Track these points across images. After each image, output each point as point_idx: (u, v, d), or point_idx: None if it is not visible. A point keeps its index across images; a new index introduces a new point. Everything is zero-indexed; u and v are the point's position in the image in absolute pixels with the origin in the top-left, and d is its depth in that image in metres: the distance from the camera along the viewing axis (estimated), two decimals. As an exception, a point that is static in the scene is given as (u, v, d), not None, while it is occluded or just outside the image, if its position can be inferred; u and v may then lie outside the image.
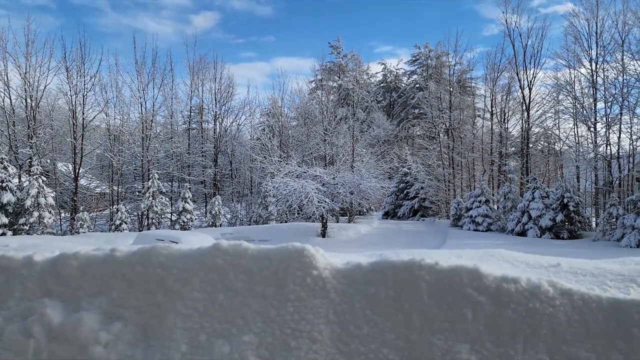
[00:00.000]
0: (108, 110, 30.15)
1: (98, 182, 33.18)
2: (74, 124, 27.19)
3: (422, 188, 36.85)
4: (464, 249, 9.19)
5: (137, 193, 30.68)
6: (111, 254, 3.24)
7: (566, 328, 2.73)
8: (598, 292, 2.93)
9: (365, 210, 32.23)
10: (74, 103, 27.26)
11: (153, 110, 32.13)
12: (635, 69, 22.57)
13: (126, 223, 24.56)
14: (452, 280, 2.92)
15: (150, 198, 25.51)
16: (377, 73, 62.56)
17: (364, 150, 32.05)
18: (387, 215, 39.23)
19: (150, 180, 25.93)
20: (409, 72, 59.83)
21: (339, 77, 56.01)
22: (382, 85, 61.33)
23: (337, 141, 30.04)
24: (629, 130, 23.34)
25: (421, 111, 47.09)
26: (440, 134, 37.06)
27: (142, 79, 31.12)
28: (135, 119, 32.40)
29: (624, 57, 23.07)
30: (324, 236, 21.97)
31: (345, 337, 2.85)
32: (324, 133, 30.85)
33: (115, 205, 27.20)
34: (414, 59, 58.25)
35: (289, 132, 38.09)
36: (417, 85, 53.77)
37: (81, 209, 24.55)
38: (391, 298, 2.91)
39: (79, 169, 27.30)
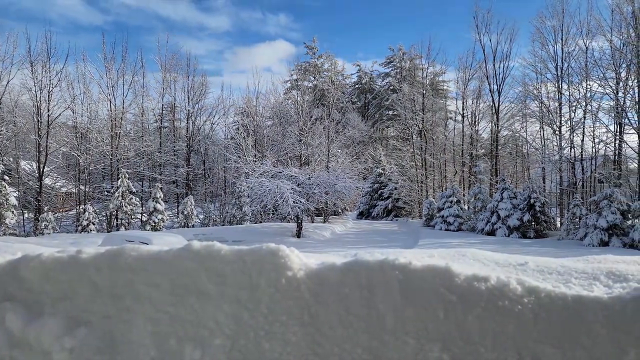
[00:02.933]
0: (75, 107, 29.11)
1: (64, 181, 31.97)
2: (38, 120, 26.12)
3: (395, 188, 37.35)
4: (436, 248, 9.37)
5: (106, 193, 29.75)
6: (76, 256, 3.11)
7: (533, 325, 2.81)
8: (563, 289, 3.03)
9: (340, 211, 32.42)
10: (38, 99, 26.19)
11: (123, 107, 31.26)
12: (598, 75, 23.61)
13: (94, 224, 23.80)
14: (424, 279, 2.96)
15: (120, 198, 24.80)
16: (352, 74, 63.07)
17: (339, 150, 32.21)
18: (361, 215, 39.57)
19: (120, 180, 25.21)
20: (383, 74, 60.54)
21: (314, 78, 56.08)
22: (357, 86, 61.80)
23: (312, 141, 30.07)
24: (592, 134, 24.42)
25: (395, 113, 47.74)
26: (414, 136, 37.68)
27: (112, 75, 30.25)
28: (104, 117, 31.42)
29: (588, 63, 24.11)
30: (299, 236, 21.94)
31: (319, 339, 2.84)
32: (300, 133, 30.82)
33: (82, 206, 26.30)
34: (388, 61, 58.97)
35: (264, 132, 37.87)
36: (391, 87, 54.49)
37: (46, 209, 23.59)
38: (365, 298, 2.92)
39: (43, 167, 26.23)
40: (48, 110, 26.55)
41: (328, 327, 2.86)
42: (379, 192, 38.43)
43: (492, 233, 22.48)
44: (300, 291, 2.95)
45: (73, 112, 29.18)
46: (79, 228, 23.78)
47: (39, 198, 25.72)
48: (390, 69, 59.08)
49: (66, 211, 31.09)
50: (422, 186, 35.24)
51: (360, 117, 48.62)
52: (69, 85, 28.65)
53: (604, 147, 24.45)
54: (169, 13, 76.04)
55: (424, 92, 36.54)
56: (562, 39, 25.35)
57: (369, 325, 2.87)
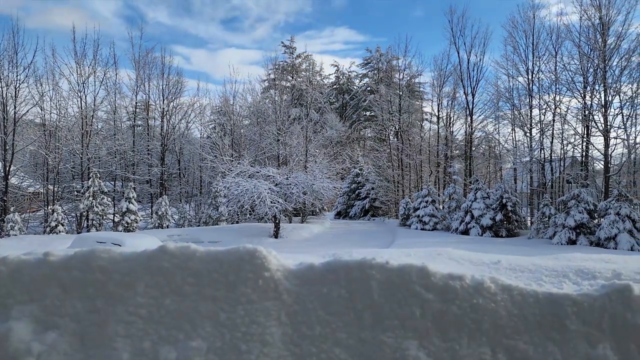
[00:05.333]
0: (43, 104, 28.06)
1: (31, 180, 30.78)
2: (4, 118, 25.06)
3: (372, 189, 37.71)
4: (412, 247, 9.50)
5: (76, 193, 28.81)
6: (44, 259, 3.00)
7: (506, 322, 2.88)
8: (535, 287, 3.12)
9: (318, 211, 32.43)
10: (4, 95, 25.12)
11: (94, 105, 30.31)
12: (567, 79, 24.46)
13: (63, 225, 23.01)
14: (402, 278, 2.99)
15: (91, 198, 24.08)
16: (330, 74, 63.20)
17: (317, 150, 32.22)
18: (339, 215, 39.75)
19: (91, 179, 24.48)
20: (360, 75, 60.95)
21: (292, 77, 55.93)
22: (334, 87, 62.00)
23: (290, 141, 30.00)
24: (561, 136, 25.27)
25: (372, 114, 48.21)
26: (390, 136, 38.10)
27: (83, 72, 29.29)
28: (74, 114, 30.42)
29: (557, 67, 24.93)
30: (276, 237, 21.83)
31: (297, 339, 2.83)
32: (277, 133, 30.70)
33: (51, 206, 25.38)
34: (365, 62, 59.44)
35: (241, 131, 37.49)
36: (369, 88, 54.97)
37: (12, 209, 22.65)
38: (343, 297, 2.93)
39: (9, 166, 25.19)
40: (15, 107, 25.50)
41: (306, 327, 2.85)
42: (357, 192, 38.72)
43: (466, 232, 22.96)
44: (278, 292, 2.93)
45: (41, 109, 28.11)
46: (48, 229, 22.95)
47: (4, 198, 24.69)
48: (368, 70, 59.58)
49: (34, 212, 29.95)
50: (398, 186, 35.67)
51: (338, 118, 48.81)
52: (37, 82, 27.61)
53: (572, 149, 25.36)
54: (199, 31, 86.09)
55: (401, 93, 37.00)
56: (533, 44, 26.14)
57: (347, 324, 2.88)
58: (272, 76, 51.07)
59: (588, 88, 23.12)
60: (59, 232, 22.57)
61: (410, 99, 39.66)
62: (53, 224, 22.64)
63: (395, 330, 2.87)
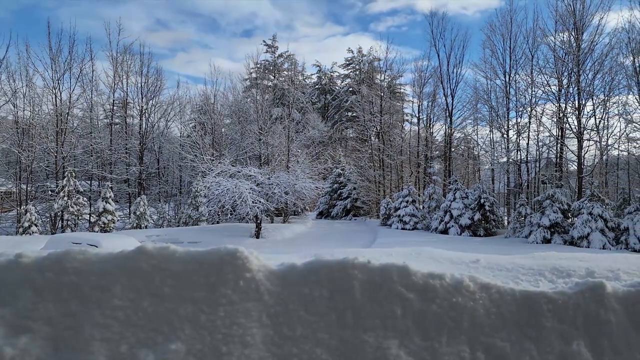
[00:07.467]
0: (16, 100, 27.19)
1: (3, 179, 29.79)
2: (-27, 114, 24.18)
3: (354, 189, 37.89)
4: (393, 246, 9.59)
5: (50, 192, 28.00)
6: (16, 260, 2.89)
7: (485, 320, 2.93)
8: (512, 285, 3.18)
9: (300, 210, 32.41)
10: (-26, 91, 24.24)
11: (69, 102, 29.53)
12: (542, 82, 25.09)
13: (36, 225, 22.34)
14: (383, 278, 3.01)
15: (65, 198, 23.44)
16: (312, 74, 63.16)
17: (299, 150, 32.17)
18: (321, 215, 39.79)
19: (65, 179, 23.83)
20: (342, 76, 61.12)
21: (274, 77, 55.66)
22: (317, 87, 61.98)
23: (272, 141, 29.89)
24: (536, 138, 25.92)
25: (354, 114, 48.43)
26: (372, 137, 38.36)
27: (58, 68, 28.50)
28: (49, 111, 29.56)
29: (533, 70, 25.55)
30: (258, 237, 21.70)
31: (278, 340, 2.81)
32: (259, 132, 30.54)
33: (24, 206, 24.59)
34: (347, 62, 59.64)
35: (222, 130, 37.12)
36: (351, 89, 55.19)
37: (-19, 209, 21.89)
38: (325, 298, 2.93)
39: (-21, 165, 24.31)
40: (-15, 104, 24.67)
41: (287, 328, 2.84)
42: (338, 192, 38.84)
43: (445, 232, 23.31)
44: (259, 293, 2.91)
45: (14, 106, 27.24)
46: (20, 230, 22.24)
47: (-27, 198, 23.82)
48: (350, 70, 59.80)
49: (6, 212, 28.97)
50: (379, 186, 35.94)
51: (320, 118, 48.83)
52: (10, 78, 26.75)
53: (547, 151, 26.05)
54: (214, 43, 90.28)
55: (382, 94, 37.30)
56: (510, 47, 26.74)
57: (328, 325, 2.87)
58: (253, 75, 50.71)
59: (563, 91, 23.77)
60: (33, 232, 21.91)
61: (392, 100, 40.01)
62: (26, 224, 21.95)
63: (377, 330, 2.88)
